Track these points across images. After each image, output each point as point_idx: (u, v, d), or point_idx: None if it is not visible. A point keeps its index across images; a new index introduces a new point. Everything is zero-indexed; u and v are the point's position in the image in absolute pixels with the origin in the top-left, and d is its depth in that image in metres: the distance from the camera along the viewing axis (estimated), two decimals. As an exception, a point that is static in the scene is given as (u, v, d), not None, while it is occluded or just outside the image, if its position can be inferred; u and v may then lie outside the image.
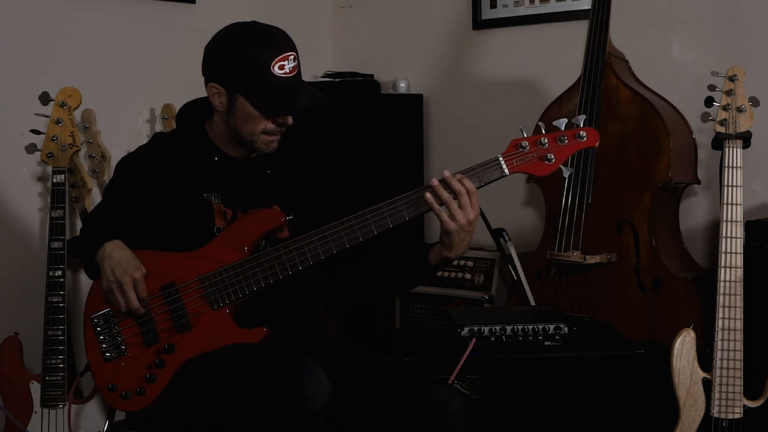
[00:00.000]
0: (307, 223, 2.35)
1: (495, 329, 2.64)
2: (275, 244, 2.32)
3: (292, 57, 2.29)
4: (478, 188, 2.24)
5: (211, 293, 2.30)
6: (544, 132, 2.22)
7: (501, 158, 2.23)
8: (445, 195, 2.22)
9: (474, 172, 2.24)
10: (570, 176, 2.99)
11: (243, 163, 2.40)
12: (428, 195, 2.23)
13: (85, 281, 3.17)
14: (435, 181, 2.23)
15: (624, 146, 3.07)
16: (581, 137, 2.21)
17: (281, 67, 2.27)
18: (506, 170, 2.23)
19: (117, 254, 2.31)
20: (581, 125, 2.22)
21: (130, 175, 2.43)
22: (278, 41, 2.29)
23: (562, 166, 2.22)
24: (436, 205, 2.22)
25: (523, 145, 2.22)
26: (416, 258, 2.38)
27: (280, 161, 2.43)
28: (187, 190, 2.37)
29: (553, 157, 2.21)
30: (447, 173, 2.23)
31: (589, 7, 3.17)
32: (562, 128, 2.21)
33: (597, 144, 2.21)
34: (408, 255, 2.42)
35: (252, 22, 2.36)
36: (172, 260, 2.33)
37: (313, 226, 2.31)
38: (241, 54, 2.28)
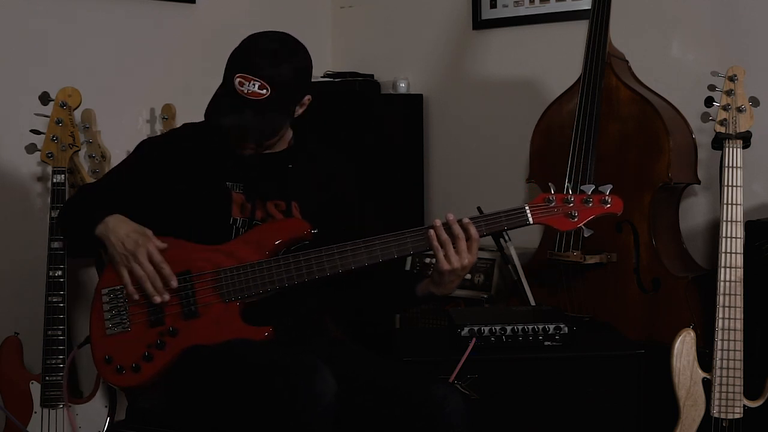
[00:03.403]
0: (319, 227, 2.39)
1: (495, 329, 2.64)
2: (294, 250, 2.36)
3: (258, 84, 2.27)
4: (503, 231, 2.37)
5: (224, 287, 2.32)
6: (570, 192, 2.32)
7: (527, 208, 2.31)
8: (444, 236, 2.28)
9: (496, 217, 2.30)
10: (569, 177, 3.00)
11: (266, 156, 2.43)
12: (431, 232, 2.29)
13: (85, 281, 3.17)
14: (437, 222, 2.29)
15: (624, 146, 3.07)
16: (606, 202, 2.31)
17: (240, 84, 2.28)
18: (530, 219, 2.30)
19: (123, 227, 2.33)
20: (607, 193, 2.30)
21: (153, 154, 2.46)
22: (256, 61, 2.28)
23: (583, 226, 2.31)
24: (435, 242, 2.28)
25: (550, 199, 2.30)
26: (404, 286, 2.45)
27: (302, 159, 2.47)
28: (210, 177, 2.40)
29: (576, 214, 2.30)
30: (451, 216, 2.29)
31: (589, 7, 3.17)
32: (589, 192, 2.30)
33: (620, 212, 2.31)
34: (397, 282, 2.49)
35: (276, 33, 2.37)
36: (191, 250, 2.36)
37: (324, 230, 2.36)
38: (232, 52, 2.34)
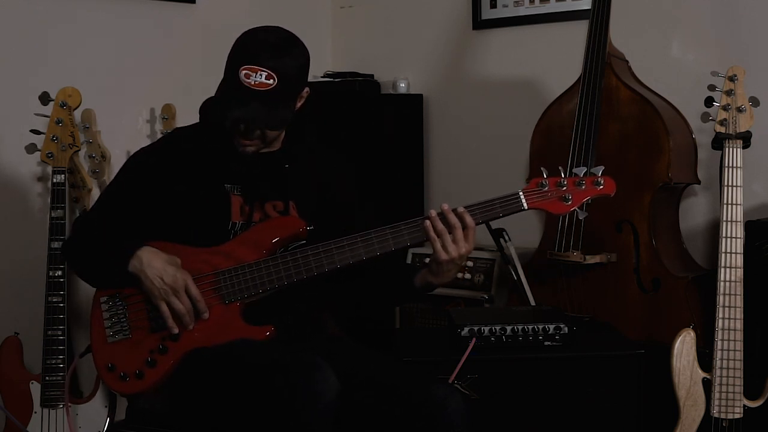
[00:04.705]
0: (318, 227, 2.38)
1: (495, 329, 2.64)
2: (292, 249, 2.35)
3: (265, 75, 2.27)
4: (496, 219, 2.33)
5: (224, 288, 2.32)
6: (563, 176, 2.31)
7: (521, 193, 2.30)
8: (440, 226, 2.28)
9: (491, 204, 2.30)
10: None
11: (263, 156, 2.42)
12: (427, 223, 2.28)
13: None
14: (433, 213, 2.29)
15: (624, 146, 3.07)
16: (599, 184, 2.30)
17: (247, 76, 2.27)
18: (525, 205, 2.30)
19: (158, 261, 2.30)
20: (599, 174, 2.30)
21: (146, 165, 2.44)
22: (260, 53, 2.28)
23: (578, 209, 2.31)
24: (432, 233, 2.28)
25: (543, 183, 2.30)
26: (402, 278, 2.45)
27: (299, 158, 2.46)
28: (208, 180, 2.40)
29: (570, 197, 2.29)
30: (445, 206, 2.29)
31: (589, 7, 3.17)
32: (582, 174, 2.30)
33: (613, 193, 2.31)
34: (394, 274, 2.48)
35: (273, 27, 2.38)
36: (190, 254, 2.36)
37: (322, 229, 2.35)
38: (232, 48, 2.34)
